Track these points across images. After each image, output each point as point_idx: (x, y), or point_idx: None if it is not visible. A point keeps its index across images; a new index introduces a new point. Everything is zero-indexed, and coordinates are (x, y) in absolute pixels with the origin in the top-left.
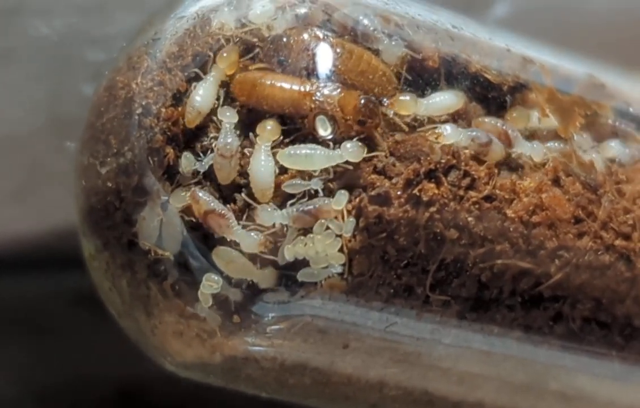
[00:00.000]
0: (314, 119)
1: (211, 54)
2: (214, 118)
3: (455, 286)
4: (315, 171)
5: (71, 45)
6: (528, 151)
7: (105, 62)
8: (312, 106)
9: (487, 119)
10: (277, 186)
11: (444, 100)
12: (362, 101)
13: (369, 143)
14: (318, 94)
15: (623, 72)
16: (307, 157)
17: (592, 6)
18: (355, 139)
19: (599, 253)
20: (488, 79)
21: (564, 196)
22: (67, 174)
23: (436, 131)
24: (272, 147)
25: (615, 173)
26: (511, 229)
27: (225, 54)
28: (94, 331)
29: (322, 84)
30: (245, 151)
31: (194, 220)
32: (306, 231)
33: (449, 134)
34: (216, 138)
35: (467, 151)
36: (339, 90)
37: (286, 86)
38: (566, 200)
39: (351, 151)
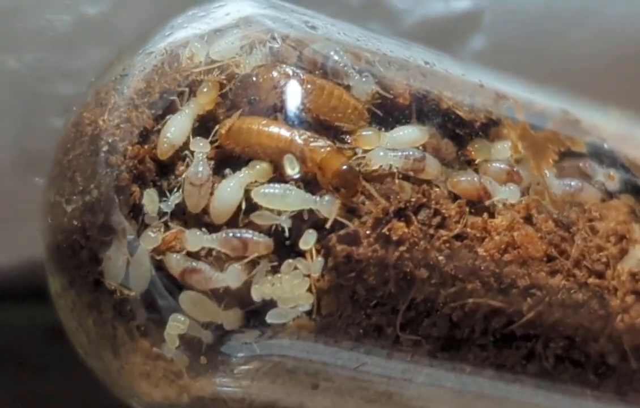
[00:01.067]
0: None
1: (185, 89)
2: (186, 152)
3: (426, 326)
4: None
5: (41, 79)
6: (506, 195)
7: (75, 96)
8: (296, 158)
9: (463, 178)
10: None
11: (408, 134)
12: (343, 168)
13: None
14: (304, 148)
15: (599, 106)
16: (281, 197)
17: (568, 40)
18: (335, 198)
19: (572, 291)
20: (459, 115)
21: (537, 234)
22: (38, 208)
23: (365, 159)
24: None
25: (588, 210)
26: (482, 267)
27: (205, 90)
28: (67, 365)
29: (312, 138)
30: None
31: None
32: (275, 271)
33: (376, 158)
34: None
35: (437, 190)
36: (327, 148)
37: (274, 134)
38: (538, 238)
39: (326, 206)
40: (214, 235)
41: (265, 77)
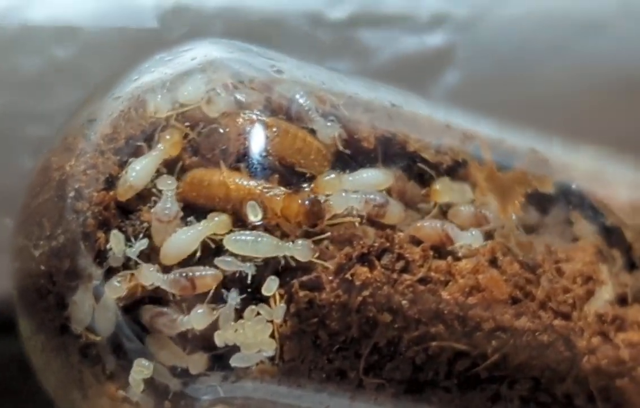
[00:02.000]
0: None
1: (150, 135)
2: (153, 191)
3: (390, 369)
4: None
5: (12, 121)
6: (469, 240)
7: (45, 138)
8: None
9: (426, 223)
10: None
11: (371, 177)
12: (305, 204)
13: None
14: (260, 199)
15: (572, 142)
16: (253, 244)
17: (543, 74)
18: (309, 240)
19: (538, 333)
20: (425, 158)
21: (502, 276)
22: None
23: (326, 204)
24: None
25: (555, 252)
26: (446, 311)
27: (169, 136)
28: (44, 398)
29: (266, 188)
30: None
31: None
32: (238, 316)
33: (337, 203)
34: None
35: (400, 234)
36: (282, 195)
37: (233, 187)
38: (503, 281)
39: (300, 250)
40: (165, 275)
41: (229, 126)
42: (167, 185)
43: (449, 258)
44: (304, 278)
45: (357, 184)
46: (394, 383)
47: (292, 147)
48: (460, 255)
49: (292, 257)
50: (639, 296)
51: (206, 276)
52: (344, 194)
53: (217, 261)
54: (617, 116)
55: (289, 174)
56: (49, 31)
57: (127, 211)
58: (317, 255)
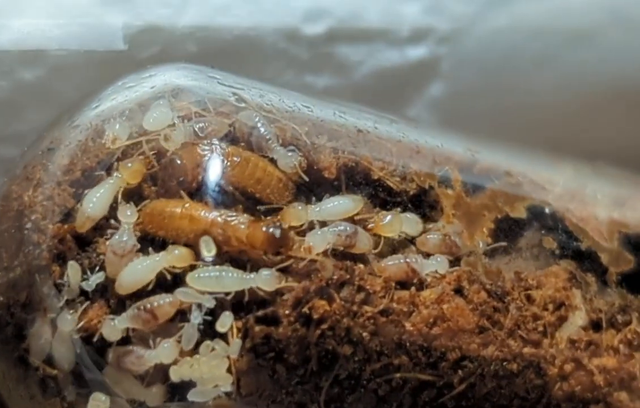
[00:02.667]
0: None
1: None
2: (110, 222)
3: (352, 402)
4: None
5: None
6: (434, 267)
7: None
8: (219, 239)
9: (390, 262)
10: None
11: (338, 205)
12: (270, 232)
13: None
14: (224, 228)
15: (554, 158)
16: (217, 279)
17: (529, 85)
18: (273, 269)
19: (506, 362)
20: (390, 186)
21: (468, 305)
22: None
23: (304, 246)
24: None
25: (525, 278)
26: (410, 342)
27: (129, 165)
28: None
29: (230, 216)
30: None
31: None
32: (194, 351)
33: (317, 243)
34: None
35: (361, 266)
36: (246, 223)
37: (195, 218)
38: (470, 310)
39: (265, 279)
40: (123, 314)
41: (187, 157)
42: (127, 217)
43: (412, 289)
44: (260, 312)
45: (325, 214)
46: None
47: (252, 177)
48: (425, 284)
49: (257, 288)
50: (614, 321)
51: (164, 305)
52: (319, 232)
53: (177, 292)
54: (605, 127)
55: (251, 203)
56: (15, 55)
57: (84, 243)
58: (282, 282)
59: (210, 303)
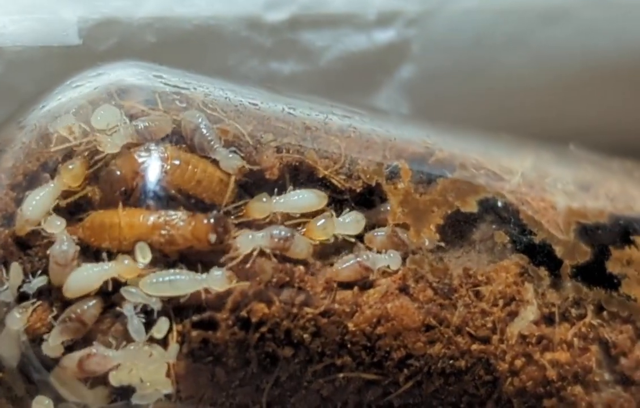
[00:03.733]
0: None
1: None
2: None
3: (295, 402)
4: None
5: None
6: (386, 263)
7: None
8: (162, 240)
9: (342, 266)
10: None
11: (302, 199)
12: (211, 222)
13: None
14: (166, 228)
15: (519, 142)
16: (171, 283)
17: (502, 69)
18: (224, 269)
19: (453, 359)
20: (335, 185)
21: (413, 304)
22: None
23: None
24: None
25: (474, 275)
26: (352, 342)
27: (70, 167)
28: None
29: (171, 216)
30: None
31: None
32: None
33: (243, 243)
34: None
35: (301, 267)
36: (188, 218)
37: (136, 225)
38: (415, 308)
39: (217, 279)
40: (53, 330)
41: (125, 166)
42: (56, 227)
43: (355, 289)
44: (196, 317)
45: (288, 206)
46: None
47: (192, 179)
48: (371, 283)
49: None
50: (568, 315)
51: (89, 309)
52: (250, 235)
53: (123, 291)
54: (580, 107)
55: (193, 205)
56: None
57: (26, 246)
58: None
59: (157, 306)
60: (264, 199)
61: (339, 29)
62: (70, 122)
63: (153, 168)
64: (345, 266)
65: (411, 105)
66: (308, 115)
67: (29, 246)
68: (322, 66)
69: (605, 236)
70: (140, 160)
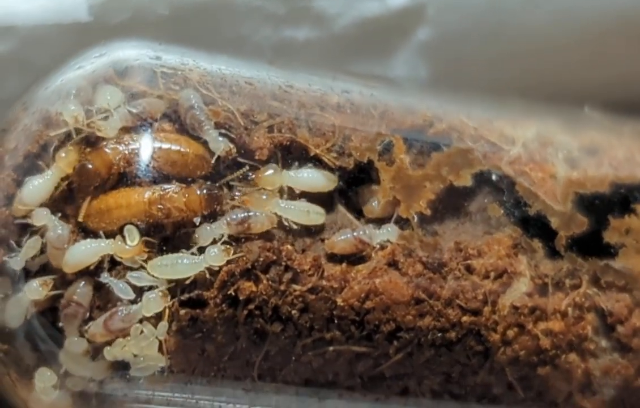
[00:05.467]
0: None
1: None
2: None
3: (286, 373)
4: None
5: None
6: (385, 237)
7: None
8: (159, 214)
9: (340, 238)
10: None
11: (311, 178)
12: (204, 193)
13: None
14: (162, 203)
15: (525, 110)
16: (172, 266)
17: (519, 28)
18: (219, 244)
19: (444, 331)
20: (326, 162)
21: (402, 278)
22: None
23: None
24: None
25: (465, 248)
26: (341, 317)
27: (64, 154)
28: None
29: (164, 189)
30: None
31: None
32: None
33: (202, 235)
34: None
35: (288, 246)
36: (180, 190)
37: (132, 203)
38: (405, 283)
39: (214, 256)
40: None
41: (97, 160)
42: (43, 217)
43: (344, 265)
44: (184, 296)
45: (297, 182)
46: (292, 385)
47: (167, 161)
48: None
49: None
50: (562, 285)
51: (81, 289)
52: (208, 227)
53: (129, 276)
54: (599, 66)
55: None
56: None
57: (25, 227)
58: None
59: (163, 287)
60: (273, 171)
61: None
62: (70, 106)
63: (144, 149)
64: (342, 238)
65: (429, 67)
66: (305, 92)
67: (30, 227)
68: (337, 32)
69: (605, 205)
70: (111, 153)
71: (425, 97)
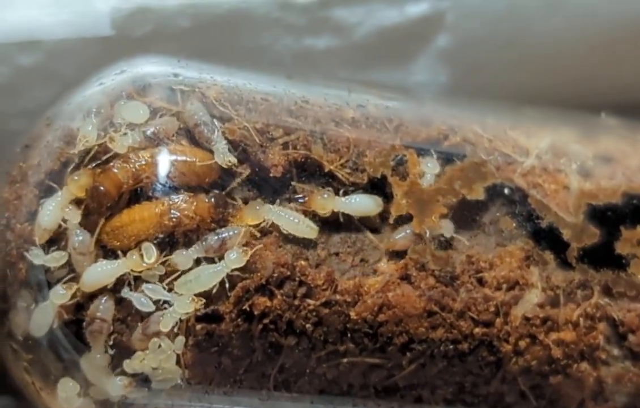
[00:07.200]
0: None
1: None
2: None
3: (301, 385)
4: None
5: None
6: (440, 232)
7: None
8: (171, 223)
9: (398, 236)
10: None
11: (360, 203)
12: (211, 201)
13: None
14: (173, 211)
15: (540, 119)
16: (196, 280)
17: (537, 34)
18: (236, 247)
19: (456, 342)
20: (340, 178)
21: (415, 292)
22: None
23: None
24: None
25: (476, 261)
26: (355, 330)
27: (76, 178)
28: None
29: (171, 199)
30: None
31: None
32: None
33: (180, 262)
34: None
35: (302, 262)
36: (189, 199)
37: (145, 218)
38: (417, 296)
39: (235, 260)
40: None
41: (107, 182)
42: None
43: (357, 279)
44: (200, 312)
45: (348, 207)
46: (307, 395)
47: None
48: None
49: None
50: (573, 296)
51: (104, 308)
52: (184, 252)
53: (145, 288)
54: (616, 71)
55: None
56: (10, 44)
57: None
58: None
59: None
60: (326, 195)
61: (370, 5)
62: (87, 126)
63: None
64: (400, 236)
65: (448, 74)
66: (320, 107)
67: (53, 241)
68: (356, 41)
69: (617, 216)
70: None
71: (440, 107)
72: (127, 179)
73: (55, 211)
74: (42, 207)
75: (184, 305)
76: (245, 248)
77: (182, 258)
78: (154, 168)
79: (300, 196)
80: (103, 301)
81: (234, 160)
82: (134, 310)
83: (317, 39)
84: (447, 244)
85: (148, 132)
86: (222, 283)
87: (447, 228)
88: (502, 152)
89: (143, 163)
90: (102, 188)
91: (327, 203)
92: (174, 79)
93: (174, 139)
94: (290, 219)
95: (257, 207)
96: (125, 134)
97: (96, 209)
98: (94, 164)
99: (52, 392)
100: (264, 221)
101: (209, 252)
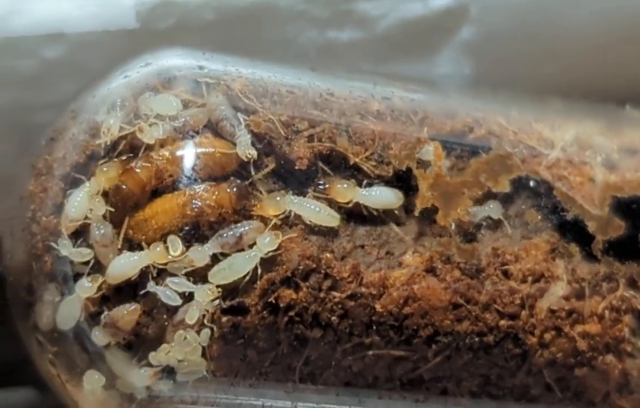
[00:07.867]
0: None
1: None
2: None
3: (326, 377)
4: None
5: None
6: (487, 213)
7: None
8: (193, 213)
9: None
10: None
11: (380, 196)
12: (234, 190)
13: None
14: (194, 201)
15: (564, 112)
16: (230, 268)
17: (563, 26)
18: (267, 231)
19: (481, 335)
20: (365, 171)
21: (440, 284)
22: None
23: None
24: None
25: (502, 254)
26: (380, 322)
27: (105, 169)
28: None
29: (193, 189)
30: None
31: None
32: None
33: (197, 258)
34: None
35: (327, 254)
36: (210, 188)
37: (168, 210)
38: (442, 288)
39: (267, 244)
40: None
41: (130, 182)
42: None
43: (382, 271)
44: (226, 304)
45: (368, 199)
46: (332, 387)
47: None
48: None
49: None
50: (599, 289)
51: (125, 315)
52: (200, 249)
53: (169, 281)
54: None
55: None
56: (36, 37)
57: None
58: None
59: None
60: (346, 185)
61: None
62: (110, 119)
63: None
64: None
65: (473, 66)
66: (345, 99)
67: (78, 232)
68: (380, 33)
69: None
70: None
71: (465, 99)
72: (149, 178)
73: (82, 201)
74: (69, 198)
75: (204, 294)
76: (277, 232)
77: (198, 254)
78: (179, 163)
79: (322, 183)
80: (127, 310)
81: (254, 153)
82: (160, 303)
83: (341, 31)
84: (472, 236)
85: (176, 124)
86: (252, 271)
87: (495, 209)
88: (527, 144)
89: (165, 161)
90: (124, 187)
91: (347, 192)
92: (199, 71)
93: (200, 132)
94: (312, 208)
95: (278, 198)
96: (154, 124)
97: (119, 209)
98: (124, 158)
99: (77, 384)
100: (285, 212)
101: (225, 248)
